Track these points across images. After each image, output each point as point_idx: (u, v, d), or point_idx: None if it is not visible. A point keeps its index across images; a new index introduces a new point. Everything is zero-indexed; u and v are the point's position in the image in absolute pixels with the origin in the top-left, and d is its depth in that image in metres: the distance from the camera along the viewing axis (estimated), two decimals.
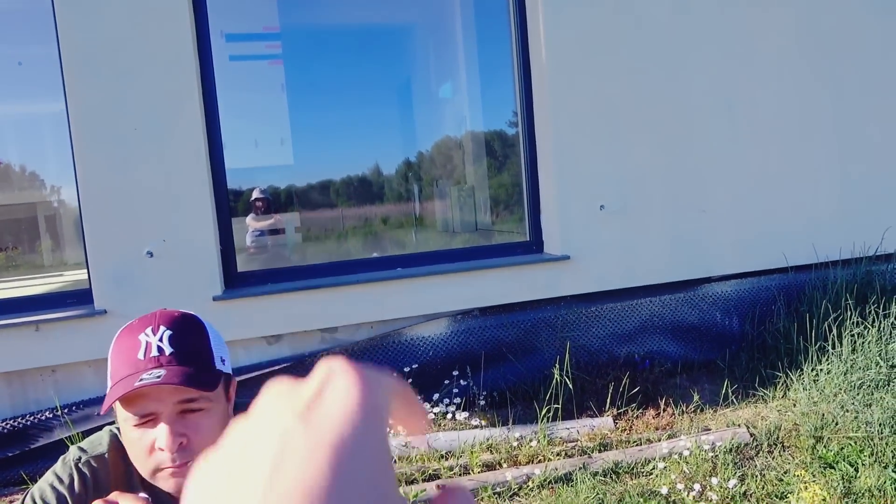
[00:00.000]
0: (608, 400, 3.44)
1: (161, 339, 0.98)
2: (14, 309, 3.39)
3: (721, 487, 2.72)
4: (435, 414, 3.35)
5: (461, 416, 3.31)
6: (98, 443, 1.11)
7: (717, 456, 2.96)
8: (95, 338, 3.32)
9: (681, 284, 4.01)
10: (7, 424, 3.24)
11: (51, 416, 3.28)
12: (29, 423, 3.26)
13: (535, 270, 3.81)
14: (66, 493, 1.04)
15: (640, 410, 3.43)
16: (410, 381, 3.51)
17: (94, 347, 3.34)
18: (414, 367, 3.56)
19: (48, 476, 1.07)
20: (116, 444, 1.10)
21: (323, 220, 5.16)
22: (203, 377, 0.99)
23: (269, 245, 5.03)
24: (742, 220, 4.07)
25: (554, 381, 3.36)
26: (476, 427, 3.29)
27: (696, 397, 3.46)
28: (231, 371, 1.09)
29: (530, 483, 2.87)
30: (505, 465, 3.01)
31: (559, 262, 3.81)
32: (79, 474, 1.06)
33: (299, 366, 3.49)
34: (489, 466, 3.04)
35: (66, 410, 3.28)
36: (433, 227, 5.22)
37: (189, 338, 1.01)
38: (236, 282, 3.59)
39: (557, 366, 3.38)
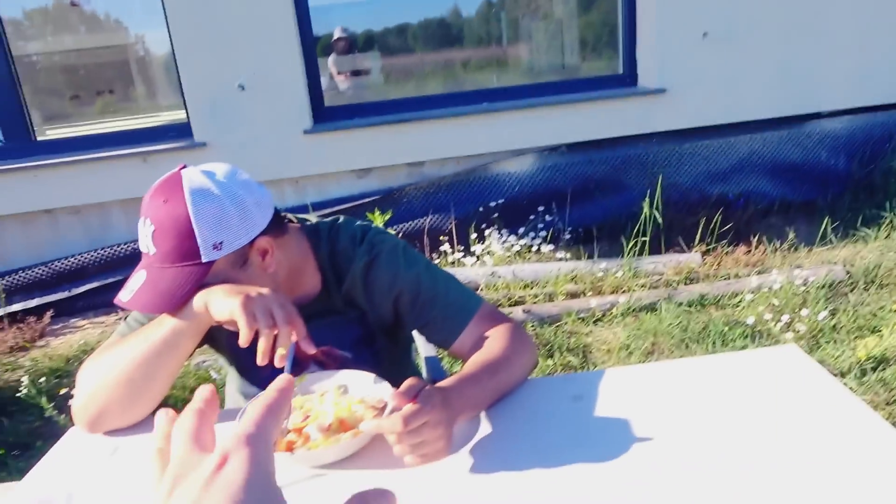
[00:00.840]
0: (697, 237, 3.39)
1: (147, 236, 1.00)
2: (122, 141, 3.60)
3: (810, 319, 2.69)
4: (520, 246, 3.42)
5: (546, 248, 3.37)
6: None
7: (808, 291, 2.91)
8: None
9: (786, 121, 3.75)
10: (128, 247, 3.56)
11: None
12: None
13: (627, 104, 3.64)
14: None
15: (731, 248, 3.37)
16: (496, 215, 3.56)
17: None
18: (500, 201, 3.58)
19: None
20: None
21: (403, 63, 5.03)
22: (176, 287, 0.99)
23: (351, 86, 4.99)
24: (862, 49, 3.67)
25: (642, 216, 3.31)
26: (561, 260, 3.34)
27: (791, 236, 3.36)
28: (249, 240, 1.04)
29: (614, 311, 2.95)
30: (589, 294, 3.08)
31: (654, 96, 3.61)
32: None
33: (388, 199, 3.58)
34: (573, 295, 3.12)
35: None
36: (517, 68, 5.00)
37: (172, 237, 0.99)
38: (324, 116, 3.63)
39: (647, 200, 3.31)
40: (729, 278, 3.11)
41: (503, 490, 0.84)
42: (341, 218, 1.25)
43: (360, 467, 0.91)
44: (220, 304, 0.97)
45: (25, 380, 2.60)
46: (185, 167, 1.04)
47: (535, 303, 3.07)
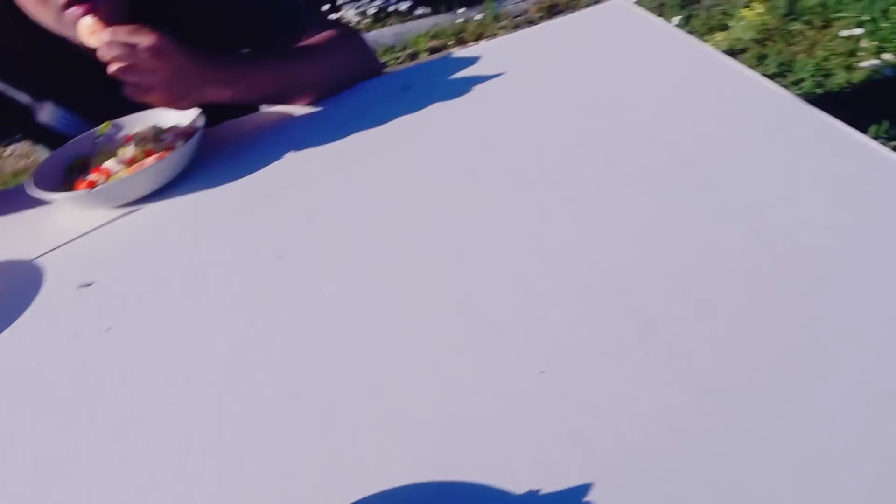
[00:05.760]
0: None
1: None
2: None
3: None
4: (376, 8, 3.18)
5: (404, 6, 3.15)
6: None
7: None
8: None
9: None
10: None
11: None
12: None
13: None
14: None
15: None
16: None
17: None
18: None
19: None
20: None
21: None
22: None
23: None
24: None
25: None
26: (421, 17, 3.15)
27: None
28: None
29: None
30: (451, 45, 2.96)
31: None
32: None
33: None
34: (436, 50, 2.99)
35: None
36: None
37: None
38: None
39: None
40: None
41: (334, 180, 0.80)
42: None
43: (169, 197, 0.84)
44: None
45: None
46: None
47: (399, 65, 2.94)
